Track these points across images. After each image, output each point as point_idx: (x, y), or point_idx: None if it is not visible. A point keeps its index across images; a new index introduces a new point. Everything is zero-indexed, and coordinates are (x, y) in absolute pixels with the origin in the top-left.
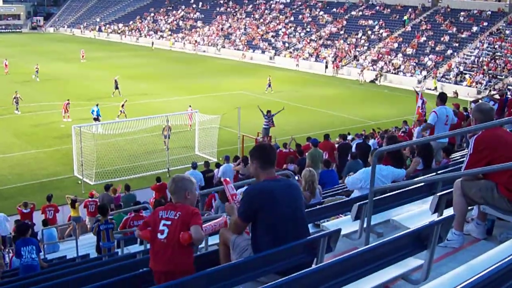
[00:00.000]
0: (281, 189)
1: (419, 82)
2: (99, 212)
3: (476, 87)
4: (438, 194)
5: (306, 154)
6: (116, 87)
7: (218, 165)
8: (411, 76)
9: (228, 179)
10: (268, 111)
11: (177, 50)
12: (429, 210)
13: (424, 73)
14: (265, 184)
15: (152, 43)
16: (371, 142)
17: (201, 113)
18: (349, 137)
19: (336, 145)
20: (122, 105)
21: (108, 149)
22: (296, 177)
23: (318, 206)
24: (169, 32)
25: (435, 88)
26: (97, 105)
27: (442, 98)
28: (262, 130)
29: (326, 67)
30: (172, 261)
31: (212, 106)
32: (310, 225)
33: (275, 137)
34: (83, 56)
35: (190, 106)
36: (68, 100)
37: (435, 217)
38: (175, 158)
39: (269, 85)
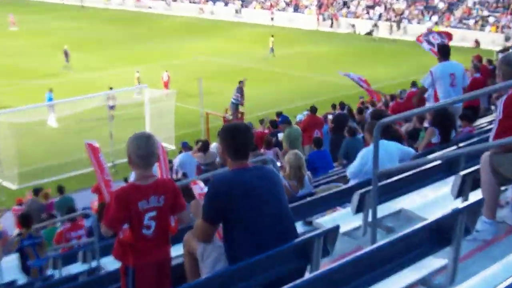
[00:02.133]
0: (256, 180)
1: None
2: (20, 223)
3: (503, 32)
4: (461, 173)
5: (282, 135)
6: (67, 59)
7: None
8: (418, 23)
9: (197, 180)
10: (241, 82)
11: (114, 8)
12: (451, 195)
13: (435, 18)
14: (234, 175)
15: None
16: (368, 112)
17: (151, 87)
18: (346, 107)
19: (330, 117)
20: (138, 78)
21: (34, 142)
22: (278, 163)
23: (308, 198)
24: None
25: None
26: (50, 90)
27: (443, 51)
28: (229, 105)
29: (332, 21)
30: (162, 251)
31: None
32: (299, 223)
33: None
34: (13, 23)
35: (166, 71)
36: None
37: (458, 203)
38: (122, 149)
39: (272, 49)
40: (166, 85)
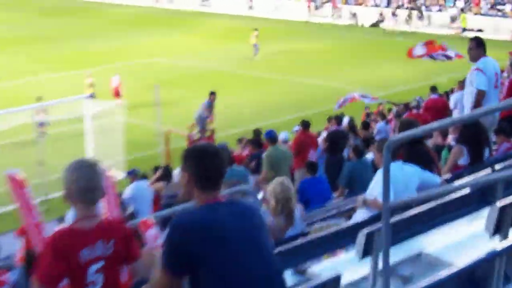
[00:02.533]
0: (231, 218)
1: (453, 20)
2: None
3: None
4: (498, 204)
5: (263, 156)
6: None
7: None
8: (440, 10)
9: (148, 220)
10: (212, 94)
11: None
12: (485, 232)
13: (460, 4)
14: (203, 212)
15: None
16: (377, 126)
17: (100, 97)
18: (345, 120)
19: (324, 134)
20: (91, 85)
21: None
22: (260, 194)
23: (300, 240)
24: None
25: (464, 30)
26: None
27: (482, 44)
28: (196, 120)
29: (333, 10)
30: None
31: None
32: (289, 272)
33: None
34: None
35: (117, 74)
36: None
37: (496, 244)
38: (57, 179)
39: (256, 47)
40: (116, 92)
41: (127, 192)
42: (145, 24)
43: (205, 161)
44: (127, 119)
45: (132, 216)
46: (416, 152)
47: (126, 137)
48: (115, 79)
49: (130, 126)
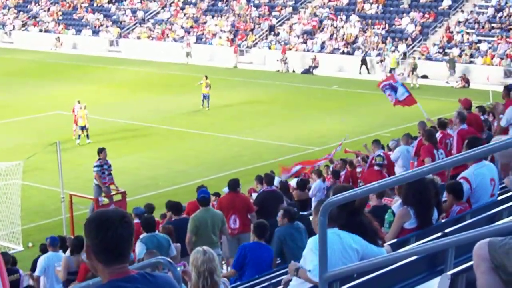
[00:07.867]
0: None
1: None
2: None
3: (502, 65)
4: (449, 273)
5: (190, 219)
6: None
7: (34, 262)
8: (379, 55)
9: None
10: (102, 152)
11: None
12: None
13: (403, 47)
14: None
15: None
16: (314, 185)
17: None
18: (277, 180)
19: (254, 195)
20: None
21: None
22: (180, 266)
23: None
24: None
25: (392, 71)
26: None
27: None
28: (93, 188)
29: (366, 67)
30: None
31: (3, 143)
32: None
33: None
34: None
35: (78, 101)
36: None
37: None
38: None
39: (206, 98)
40: (75, 120)
41: (39, 265)
42: (42, 73)
43: (107, 230)
44: (24, 182)
45: None
46: (356, 224)
47: (23, 202)
48: (77, 107)
49: (28, 189)
